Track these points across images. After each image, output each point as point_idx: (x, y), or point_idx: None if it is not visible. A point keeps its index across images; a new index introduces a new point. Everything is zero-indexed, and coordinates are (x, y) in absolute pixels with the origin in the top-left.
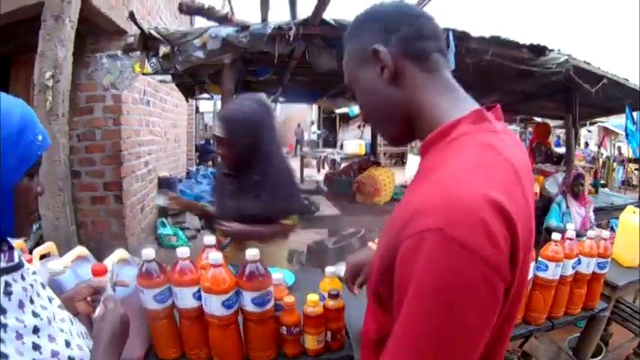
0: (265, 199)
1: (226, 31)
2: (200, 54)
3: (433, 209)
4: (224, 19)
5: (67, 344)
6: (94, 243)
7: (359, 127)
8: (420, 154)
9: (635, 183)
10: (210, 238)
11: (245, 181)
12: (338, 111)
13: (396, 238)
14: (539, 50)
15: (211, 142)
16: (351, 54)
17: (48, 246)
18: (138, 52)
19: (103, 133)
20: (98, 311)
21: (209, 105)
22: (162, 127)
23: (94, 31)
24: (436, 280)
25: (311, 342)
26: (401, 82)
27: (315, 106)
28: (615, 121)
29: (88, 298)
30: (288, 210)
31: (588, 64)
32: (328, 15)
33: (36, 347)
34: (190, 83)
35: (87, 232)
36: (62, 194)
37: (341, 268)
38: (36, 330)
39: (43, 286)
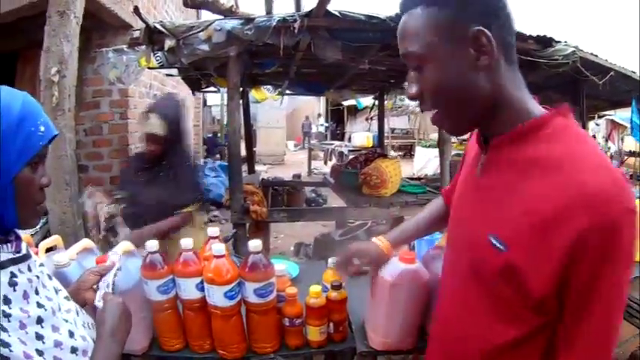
0: (174, 187)
1: (231, 24)
2: (205, 47)
3: (617, 194)
4: (229, 12)
5: (71, 334)
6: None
7: (367, 119)
8: (504, 143)
9: None
10: (214, 229)
11: (159, 173)
12: (345, 103)
13: (569, 221)
14: (545, 42)
15: (218, 135)
16: (438, 26)
17: (54, 239)
18: (143, 47)
19: (110, 128)
20: (97, 299)
21: (217, 98)
22: None
23: (99, 26)
24: (631, 251)
25: (313, 333)
26: (492, 71)
27: (322, 99)
28: (623, 114)
29: (94, 286)
30: (192, 198)
31: (595, 56)
32: (333, 6)
33: (39, 337)
34: (196, 77)
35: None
36: (69, 188)
37: None
38: (40, 320)
39: (50, 278)
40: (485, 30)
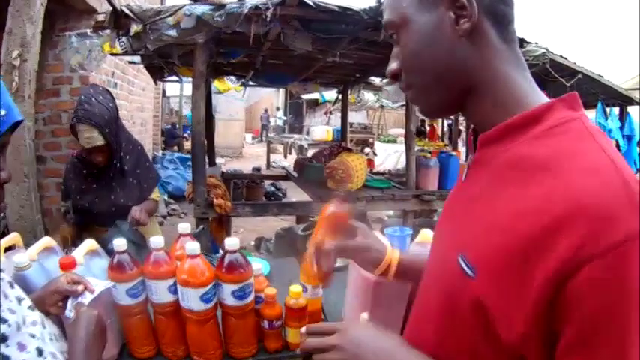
0: (138, 177)
1: (201, 9)
2: (173, 33)
3: (626, 207)
4: None
5: (40, 353)
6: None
7: (326, 113)
8: (491, 139)
9: None
10: (185, 226)
11: (112, 173)
12: (305, 97)
13: (553, 263)
14: None
15: (177, 126)
16: None
17: (13, 237)
18: (108, 31)
19: (69, 117)
20: (69, 309)
21: (176, 88)
22: (129, 111)
23: (63, 10)
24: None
25: (293, 335)
26: (478, 40)
27: (281, 91)
28: (589, 116)
29: (60, 303)
30: (154, 183)
31: (565, 58)
32: None
33: (5, 358)
34: (160, 65)
35: (53, 219)
36: (28, 181)
37: None
38: (4, 338)
39: (12, 285)
40: None
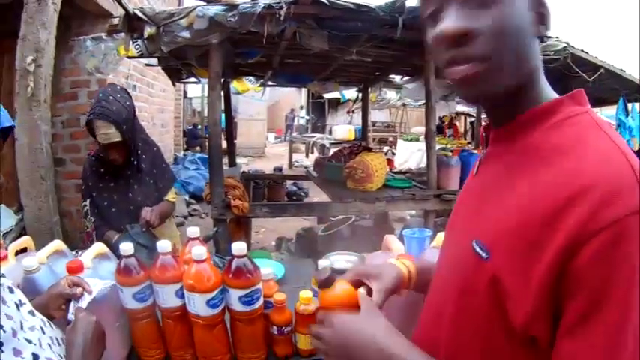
0: (155, 177)
1: (214, 10)
2: (186, 34)
3: (627, 191)
4: None
5: (35, 358)
6: (80, 233)
7: (348, 112)
8: (505, 133)
9: None
10: (194, 230)
11: (130, 177)
12: (327, 96)
13: (569, 237)
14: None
15: (199, 127)
16: None
17: (24, 240)
18: (122, 34)
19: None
20: (71, 312)
21: (197, 90)
22: (149, 113)
23: (79, 15)
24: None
25: (304, 341)
26: (538, 47)
27: (303, 91)
28: (608, 112)
29: (63, 306)
30: (171, 185)
31: (586, 52)
32: None
33: None
34: (177, 66)
35: (72, 221)
36: (44, 183)
37: (333, 260)
38: None
39: (11, 290)
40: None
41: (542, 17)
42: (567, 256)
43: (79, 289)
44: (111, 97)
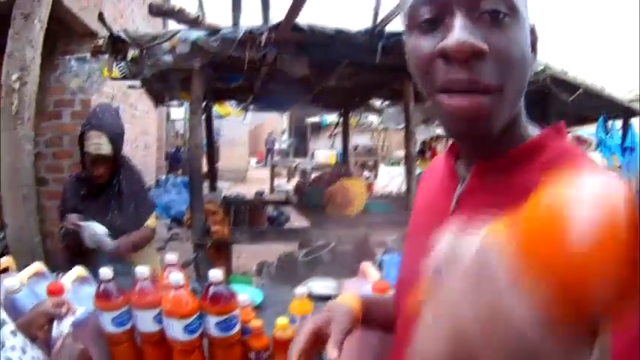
0: (135, 203)
1: (196, 34)
2: (169, 58)
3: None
4: (195, 23)
5: None
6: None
7: (330, 135)
8: (493, 168)
9: None
10: (172, 257)
11: (110, 198)
12: (309, 120)
13: None
14: None
15: (181, 150)
16: None
17: (5, 260)
18: (106, 55)
19: (70, 140)
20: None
21: (180, 112)
22: (132, 134)
23: (65, 33)
24: None
25: None
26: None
27: (285, 115)
28: (589, 130)
29: (46, 327)
30: (151, 211)
31: (565, 73)
32: (302, 20)
33: None
34: (160, 89)
35: (53, 241)
36: (27, 203)
37: (311, 286)
38: None
39: None
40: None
41: (533, 45)
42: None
43: (63, 309)
44: (106, 113)
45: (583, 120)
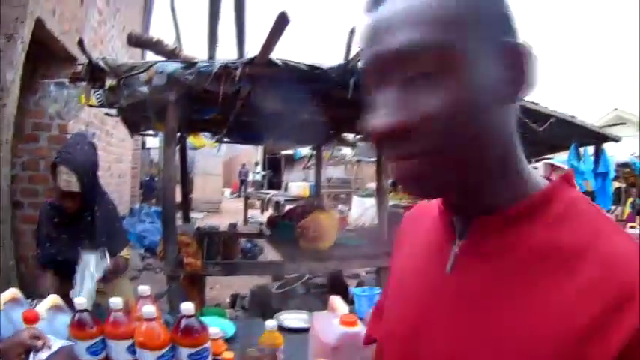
0: (107, 234)
1: (173, 66)
2: (145, 89)
3: None
4: (172, 55)
5: None
6: (35, 279)
7: (304, 167)
8: (496, 224)
9: None
10: (144, 288)
11: (82, 229)
12: (283, 152)
13: (618, 323)
14: None
15: (155, 179)
16: (471, 4)
17: None
18: (84, 83)
19: (46, 164)
20: None
21: (156, 141)
22: (107, 162)
23: (46, 56)
24: None
25: None
26: (513, 112)
27: (260, 147)
28: (562, 157)
29: (23, 356)
30: (126, 241)
31: (536, 104)
32: (276, 55)
33: None
34: (136, 119)
35: (28, 266)
36: (1, 226)
37: (282, 319)
38: None
39: None
40: (528, 48)
41: (516, 70)
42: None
43: (39, 342)
44: (79, 147)
45: (556, 148)
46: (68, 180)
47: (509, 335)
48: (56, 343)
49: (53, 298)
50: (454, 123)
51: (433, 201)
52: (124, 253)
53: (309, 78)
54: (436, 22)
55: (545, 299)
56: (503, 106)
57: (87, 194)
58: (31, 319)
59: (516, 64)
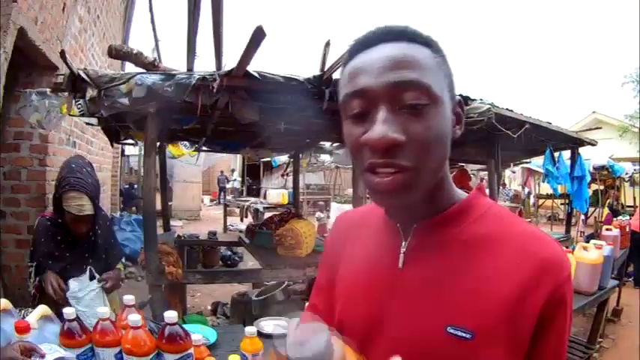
0: (106, 250)
1: (152, 79)
2: (125, 101)
3: (564, 263)
4: (151, 67)
5: None
6: (18, 289)
7: (282, 175)
8: (434, 226)
9: (561, 217)
10: (129, 297)
11: (87, 244)
12: (261, 159)
13: (538, 287)
14: None
15: (135, 186)
16: (443, 72)
17: None
18: (66, 93)
19: (28, 174)
20: None
21: (135, 148)
22: None
23: (27, 65)
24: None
25: None
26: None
27: (238, 155)
28: (539, 162)
29: None
30: (120, 256)
31: (511, 110)
32: (253, 67)
33: None
34: (116, 128)
35: (11, 276)
36: None
37: (262, 325)
38: None
39: None
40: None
41: (459, 118)
42: (542, 314)
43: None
44: (84, 170)
45: (532, 152)
46: (81, 204)
47: (462, 300)
48: (53, 354)
49: (43, 309)
50: (432, 144)
51: (361, 210)
52: (119, 264)
53: (286, 89)
54: (421, 68)
55: (482, 274)
56: (450, 140)
57: (97, 215)
58: (22, 329)
59: (459, 112)
